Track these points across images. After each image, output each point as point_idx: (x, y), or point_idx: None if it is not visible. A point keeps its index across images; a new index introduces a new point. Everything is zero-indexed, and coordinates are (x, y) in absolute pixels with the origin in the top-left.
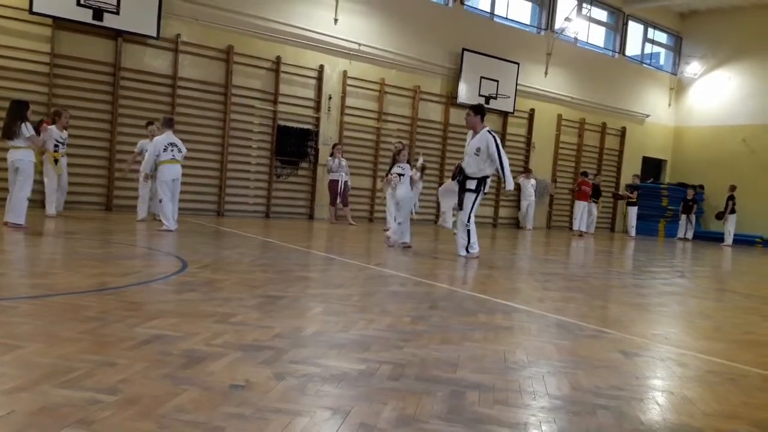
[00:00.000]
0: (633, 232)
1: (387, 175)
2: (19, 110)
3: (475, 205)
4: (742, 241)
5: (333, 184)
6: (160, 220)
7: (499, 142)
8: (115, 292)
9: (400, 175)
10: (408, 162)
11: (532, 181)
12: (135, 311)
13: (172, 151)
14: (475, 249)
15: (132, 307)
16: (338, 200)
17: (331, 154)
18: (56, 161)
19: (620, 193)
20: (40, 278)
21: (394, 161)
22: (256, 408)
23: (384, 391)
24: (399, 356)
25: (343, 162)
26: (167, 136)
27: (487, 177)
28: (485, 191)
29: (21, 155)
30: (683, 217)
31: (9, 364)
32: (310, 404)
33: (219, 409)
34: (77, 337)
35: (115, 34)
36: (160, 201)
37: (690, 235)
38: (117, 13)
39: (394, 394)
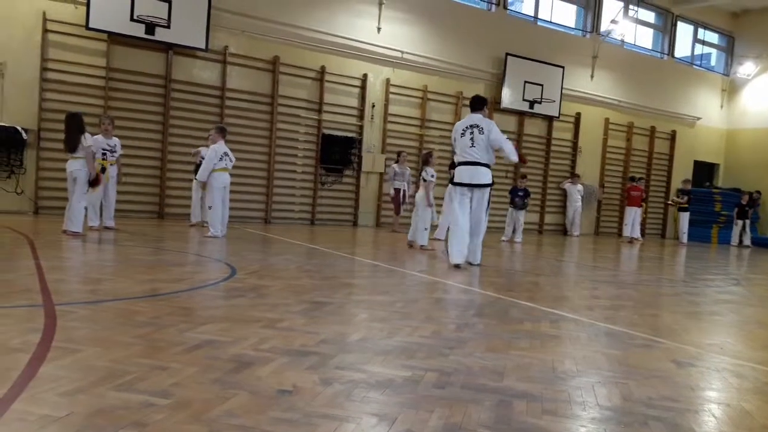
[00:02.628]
0: (685, 238)
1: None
2: (79, 122)
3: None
4: None
5: (396, 192)
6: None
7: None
8: (167, 298)
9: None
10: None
11: (579, 187)
12: (186, 316)
13: (225, 159)
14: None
15: (183, 312)
16: (402, 208)
17: (396, 161)
18: (103, 170)
19: (670, 201)
20: (95, 284)
21: (427, 163)
22: (303, 413)
23: (430, 398)
24: (444, 364)
25: (407, 171)
26: (221, 145)
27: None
28: (452, 181)
29: (80, 165)
30: (739, 222)
31: (68, 367)
32: (357, 410)
33: (267, 413)
34: (131, 342)
35: (166, 48)
36: (210, 207)
37: (747, 241)
38: (168, 27)
39: (441, 401)
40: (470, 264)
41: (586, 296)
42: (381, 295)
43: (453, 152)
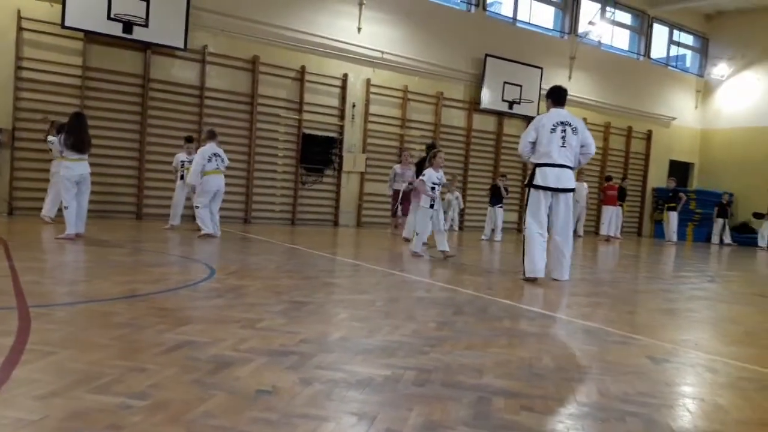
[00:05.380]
0: (675, 237)
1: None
2: (86, 122)
3: (526, 212)
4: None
5: (396, 194)
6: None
7: (530, 124)
8: (145, 299)
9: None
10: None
11: (585, 185)
12: (164, 317)
13: (216, 161)
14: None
15: (161, 313)
16: (399, 210)
17: (400, 162)
18: None
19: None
20: (71, 286)
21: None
22: (282, 413)
23: (410, 396)
24: (424, 362)
25: (410, 172)
26: (211, 147)
27: (534, 169)
28: (533, 184)
29: (88, 168)
30: (719, 221)
31: (43, 370)
32: (336, 410)
33: (246, 414)
34: (108, 343)
35: (144, 47)
36: (197, 207)
37: (728, 239)
38: (146, 25)
39: (420, 399)
40: (555, 280)
41: (564, 294)
42: (362, 294)
43: (530, 151)
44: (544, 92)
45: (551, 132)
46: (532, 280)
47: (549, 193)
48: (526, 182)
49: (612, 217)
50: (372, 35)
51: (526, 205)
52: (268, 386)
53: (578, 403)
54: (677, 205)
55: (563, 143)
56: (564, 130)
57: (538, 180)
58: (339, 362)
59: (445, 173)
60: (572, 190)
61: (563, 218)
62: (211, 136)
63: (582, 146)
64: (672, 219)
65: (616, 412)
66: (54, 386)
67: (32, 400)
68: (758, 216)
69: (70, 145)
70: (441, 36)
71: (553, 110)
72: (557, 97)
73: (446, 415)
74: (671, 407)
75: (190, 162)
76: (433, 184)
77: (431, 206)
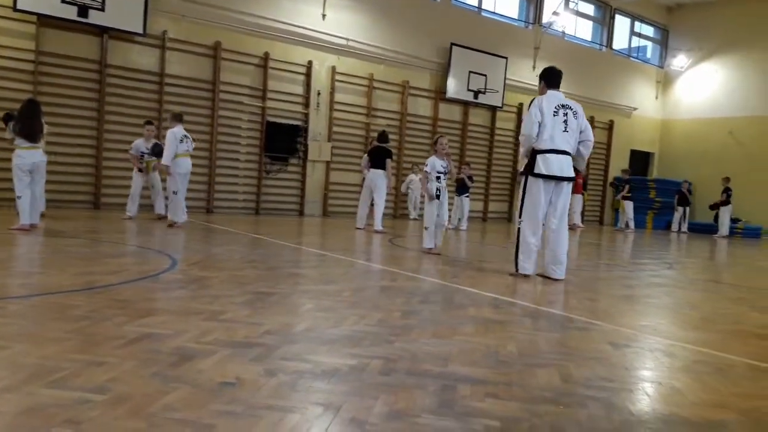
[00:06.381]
0: (632, 224)
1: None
2: (39, 110)
3: (523, 202)
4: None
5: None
6: (165, 219)
7: (531, 105)
8: (104, 291)
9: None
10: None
11: None
12: (124, 310)
13: (186, 143)
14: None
15: (121, 305)
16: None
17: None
18: None
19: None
20: (27, 278)
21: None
22: (246, 405)
23: (375, 386)
24: (390, 351)
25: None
26: (180, 129)
27: (534, 155)
28: (533, 172)
29: (43, 156)
30: (680, 209)
31: None
32: (302, 400)
33: (209, 406)
34: (65, 337)
35: (101, 31)
36: (175, 193)
37: (685, 227)
38: (102, 9)
39: (386, 388)
40: (546, 278)
41: (527, 281)
42: (327, 285)
43: (537, 134)
44: (509, 82)
45: (554, 116)
46: (523, 276)
47: (552, 182)
48: (521, 170)
49: (579, 206)
50: (337, 22)
51: (523, 195)
52: (232, 378)
53: (541, 388)
54: (629, 195)
55: (565, 128)
56: (566, 114)
57: (540, 167)
58: (304, 353)
59: (415, 163)
60: (573, 179)
61: (562, 210)
62: (179, 118)
63: (581, 132)
64: (628, 207)
65: (578, 397)
66: (7, 381)
67: None
68: (713, 207)
69: (20, 132)
70: (407, 24)
71: (551, 92)
72: (552, 78)
73: (411, 403)
74: (630, 391)
75: (150, 154)
76: (438, 173)
77: (437, 197)
